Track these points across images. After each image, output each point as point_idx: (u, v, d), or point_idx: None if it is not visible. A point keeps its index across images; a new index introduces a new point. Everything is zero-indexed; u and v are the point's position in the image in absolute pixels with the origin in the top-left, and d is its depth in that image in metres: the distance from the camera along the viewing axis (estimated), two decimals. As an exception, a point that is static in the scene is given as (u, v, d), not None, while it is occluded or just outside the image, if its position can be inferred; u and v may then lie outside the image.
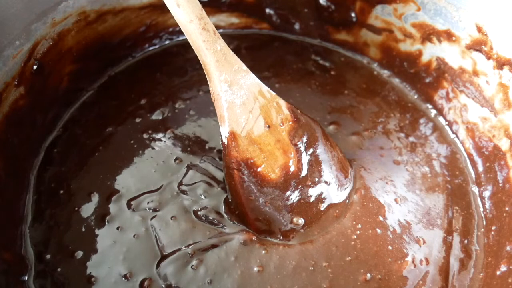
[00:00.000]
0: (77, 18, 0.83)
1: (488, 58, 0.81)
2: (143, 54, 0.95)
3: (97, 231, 0.76)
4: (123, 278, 0.72)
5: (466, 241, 0.79)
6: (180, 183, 0.80)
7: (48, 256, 0.74)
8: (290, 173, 0.76)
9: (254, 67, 0.78)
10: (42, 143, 0.84)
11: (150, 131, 0.86)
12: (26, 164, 0.81)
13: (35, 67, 0.79)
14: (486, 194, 0.83)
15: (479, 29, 0.80)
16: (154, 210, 0.77)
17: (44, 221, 0.77)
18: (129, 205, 0.78)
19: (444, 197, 0.83)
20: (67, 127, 0.86)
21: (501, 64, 0.79)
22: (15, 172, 0.79)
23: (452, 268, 0.77)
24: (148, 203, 0.78)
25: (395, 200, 0.81)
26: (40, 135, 0.84)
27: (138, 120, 0.87)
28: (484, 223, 0.82)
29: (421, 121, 0.92)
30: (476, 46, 0.82)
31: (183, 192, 0.79)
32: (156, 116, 0.88)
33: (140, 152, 0.83)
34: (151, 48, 0.93)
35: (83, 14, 0.83)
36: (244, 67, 0.76)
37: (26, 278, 0.72)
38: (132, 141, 0.85)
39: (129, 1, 0.88)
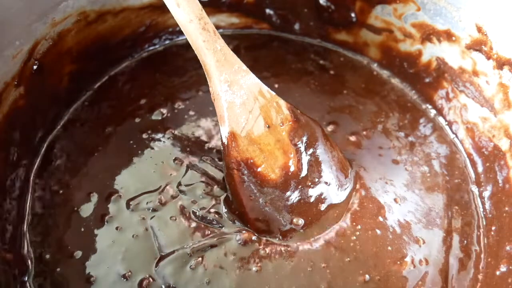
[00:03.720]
0: (77, 18, 0.83)
1: (488, 58, 0.81)
2: (143, 54, 0.95)
3: (96, 231, 0.76)
4: (122, 278, 0.72)
5: (465, 241, 0.79)
6: (179, 183, 0.80)
7: (47, 256, 0.74)
8: (290, 173, 0.76)
9: (254, 67, 0.77)
10: (42, 143, 0.84)
11: (149, 131, 0.86)
12: (26, 164, 0.81)
13: (35, 67, 0.79)
14: (486, 194, 0.83)
15: (479, 29, 0.80)
16: (153, 210, 0.77)
17: (43, 221, 0.77)
18: (128, 205, 0.78)
19: (443, 197, 0.83)
20: (67, 127, 0.86)
21: (501, 64, 0.79)
22: (15, 172, 0.79)
23: (452, 269, 0.77)
24: (147, 203, 0.78)
25: (395, 200, 0.81)
26: (40, 135, 0.84)
27: (137, 120, 0.87)
28: (484, 223, 0.81)
29: (421, 121, 0.92)
30: (476, 46, 0.82)
31: (182, 192, 0.79)
32: (156, 116, 0.88)
33: (139, 152, 0.83)
34: (151, 48, 0.93)
35: (83, 14, 0.83)
36: (244, 67, 0.76)
37: (26, 278, 0.72)
38: (131, 141, 0.85)
39: (129, 1, 0.88)
